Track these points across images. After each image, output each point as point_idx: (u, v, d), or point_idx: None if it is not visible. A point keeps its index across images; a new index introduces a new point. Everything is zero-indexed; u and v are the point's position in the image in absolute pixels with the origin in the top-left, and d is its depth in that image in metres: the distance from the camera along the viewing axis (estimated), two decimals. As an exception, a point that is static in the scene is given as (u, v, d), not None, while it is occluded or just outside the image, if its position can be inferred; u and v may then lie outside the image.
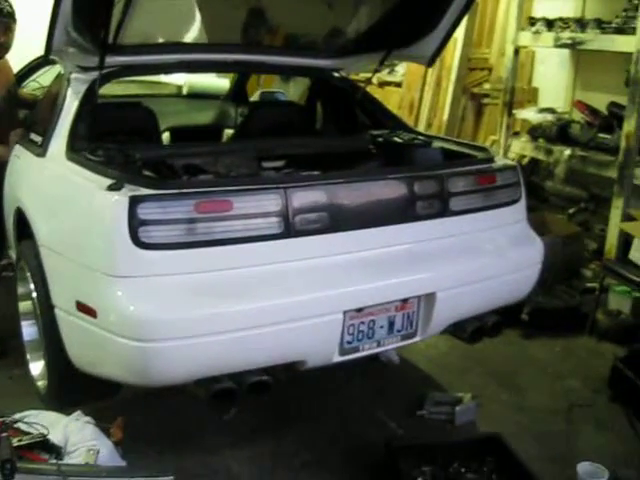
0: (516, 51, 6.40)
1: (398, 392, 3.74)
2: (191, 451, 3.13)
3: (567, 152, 5.72)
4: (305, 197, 2.70)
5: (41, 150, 3.20)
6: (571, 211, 6.14)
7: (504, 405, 3.68)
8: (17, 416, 2.68)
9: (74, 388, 2.97)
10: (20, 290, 3.44)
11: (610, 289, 4.75)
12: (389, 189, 2.93)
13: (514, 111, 6.49)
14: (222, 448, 3.18)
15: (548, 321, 4.57)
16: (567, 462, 3.08)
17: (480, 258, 3.08)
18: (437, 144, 3.67)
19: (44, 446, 2.53)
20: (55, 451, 2.54)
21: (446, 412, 3.49)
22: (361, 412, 3.53)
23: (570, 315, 4.69)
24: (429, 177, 3.03)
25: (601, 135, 5.63)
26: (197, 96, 5.70)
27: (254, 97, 5.41)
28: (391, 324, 2.89)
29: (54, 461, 2.47)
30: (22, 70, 4.45)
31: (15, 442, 2.44)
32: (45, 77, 4.49)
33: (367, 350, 2.87)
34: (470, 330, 3.14)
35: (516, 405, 3.67)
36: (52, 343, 2.89)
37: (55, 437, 2.59)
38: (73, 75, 3.39)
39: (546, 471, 2.99)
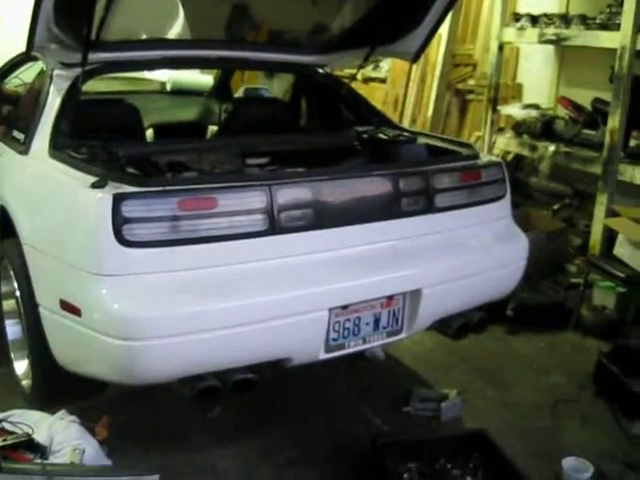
0: (500, 47, 6.42)
1: (384, 388, 3.74)
2: (176, 449, 3.12)
3: (551, 148, 5.75)
4: (290, 194, 2.69)
5: (24, 148, 3.17)
6: (555, 207, 6.16)
7: (489, 401, 3.69)
8: (1, 416, 2.67)
9: (59, 387, 2.95)
10: (4, 289, 3.41)
11: (594, 285, 4.77)
12: (374, 186, 2.93)
13: (499, 107, 6.50)
14: (207, 446, 3.17)
15: (533, 317, 4.58)
16: (552, 457, 3.10)
17: (465, 254, 3.08)
18: (422, 140, 3.67)
19: (29, 446, 2.51)
20: (40, 451, 2.52)
21: (432, 408, 3.49)
22: (347, 409, 3.53)
23: (555, 311, 4.70)
24: (414, 174, 3.02)
25: (585, 131, 5.68)
26: (181, 92, 5.66)
27: (238, 93, 5.37)
28: (377, 321, 2.89)
29: (39, 461, 2.46)
30: (4, 67, 4.40)
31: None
32: (28, 74, 4.45)
33: (353, 347, 2.87)
34: (455, 326, 3.15)
35: (501, 401, 3.68)
36: (36, 342, 2.87)
37: (40, 436, 2.57)
38: (56, 72, 3.35)
39: (532, 466, 3.00)
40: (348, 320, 2.80)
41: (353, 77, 4.45)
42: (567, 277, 5.24)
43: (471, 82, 7.35)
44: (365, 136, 3.72)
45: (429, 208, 3.02)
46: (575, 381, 3.90)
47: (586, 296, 4.71)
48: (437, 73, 7.15)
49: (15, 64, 4.37)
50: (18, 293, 3.01)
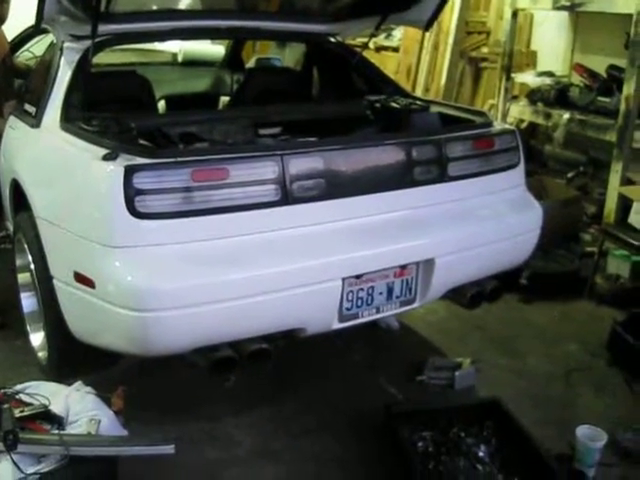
0: (514, 14, 6.35)
1: (398, 358, 3.75)
2: (192, 418, 3.14)
3: (566, 116, 5.70)
4: (302, 164, 2.67)
5: (35, 121, 3.17)
6: (570, 175, 6.13)
7: (503, 369, 3.68)
8: (18, 387, 2.69)
9: (74, 358, 2.97)
10: (18, 262, 3.43)
11: (609, 253, 4.75)
12: (387, 155, 2.91)
13: (513, 75, 6.44)
14: (223, 415, 3.19)
15: (547, 286, 4.57)
16: (566, 426, 3.09)
17: (479, 223, 3.06)
18: (435, 109, 3.63)
19: (46, 416, 2.53)
20: (57, 421, 2.54)
21: (446, 377, 3.50)
22: (361, 378, 3.54)
23: (569, 279, 4.69)
24: (427, 142, 3.00)
25: (600, 98, 5.64)
26: (192, 63, 5.65)
27: (250, 64, 5.34)
28: (390, 290, 2.88)
29: (56, 431, 2.48)
30: (15, 39, 4.38)
31: (17, 413, 2.45)
32: (39, 47, 4.43)
33: (366, 317, 2.87)
34: (469, 295, 3.13)
35: (515, 369, 3.68)
36: (51, 314, 2.89)
37: (56, 407, 2.59)
38: (66, 44, 3.33)
39: (545, 435, 2.99)
40: (361, 290, 2.79)
41: (365, 46, 4.40)
42: (581, 246, 5.21)
43: (484, 50, 7.28)
44: (377, 105, 3.67)
45: (442, 177, 2.99)
46: (589, 350, 3.90)
47: (600, 265, 4.69)
48: (450, 41, 7.09)
49: (26, 37, 4.36)
50: (32, 266, 3.01)
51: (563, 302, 4.52)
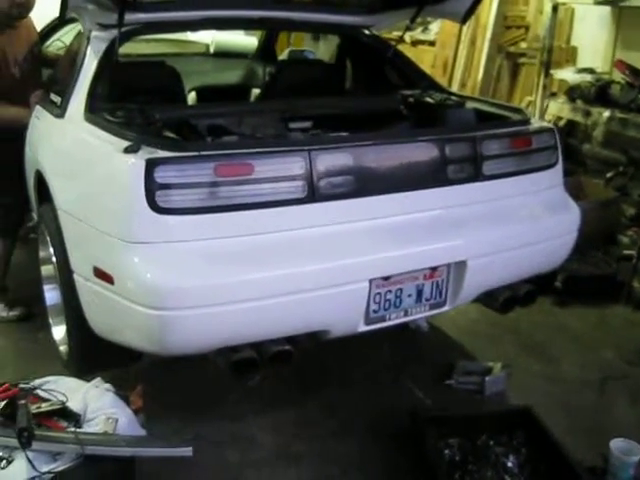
0: (555, 8, 6.23)
1: (426, 360, 3.67)
2: (213, 418, 3.09)
3: (606, 114, 5.58)
4: (330, 160, 2.59)
5: (60, 111, 3.12)
6: (609, 175, 5.95)
7: (535, 375, 3.58)
8: (37, 382, 2.66)
9: (94, 354, 2.92)
10: (41, 254, 3.40)
11: (648, 257, 4.59)
12: (419, 152, 2.82)
13: (552, 71, 6.30)
14: (244, 415, 3.14)
15: (583, 289, 4.45)
16: (599, 437, 2.99)
17: (514, 225, 2.96)
18: (470, 105, 3.52)
19: (63, 413, 2.50)
20: (74, 419, 2.50)
21: (475, 382, 3.40)
22: (388, 380, 3.46)
23: (605, 283, 4.58)
24: (462, 139, 2.90)
25: None
26: (224, 55, 5.58)
27: (283, 56, 5.27)
28: (419, 293, 2.80)
29: (72, 429, 2.43)
30: (45, 28, 4.34)
31: (34, 409, 2.42)
32: (69, 36, 4.39)
33: (394, 319, 2.78)
34: (502, 299, 3.03)
35: (547, 376, 3.58)
36: (72, 309, 2.84)
37: (74, 404, 2.55)
38: (93, 33, 3.27)
39: (577, 446, 2.89)
40: (389, 291, 2.71)
41: (400, 39, 4.29)
42: (619, 248, 5.07)
43: (523, 45, 7.17)
44: (411, 100, 3.58)
45: (477, 176, 2.89)
46: (624, 357, 3.78)
47: (638, 269, 4.52)
48: (488, 35, 6.98)
49: (56, 26, 4.33)
50: (54, 259, 2.97)
51: (599, 307, 4.40)
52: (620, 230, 5.28)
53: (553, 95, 6.40)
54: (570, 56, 6.93)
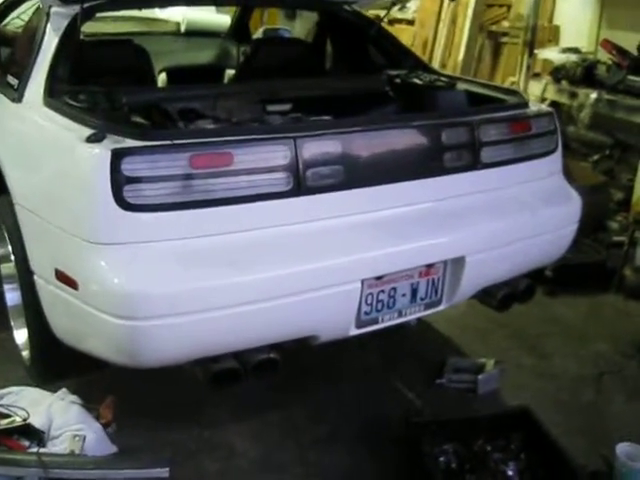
0: (538, -15, 6.03)
1: (416, 357, 3.52)
2: (190, 425, 2.92)
3: (593, 95, 5.48)
4: (317, 148, 2.38)
5: (17, 95, 2.87)
6: (595, 158, 5.86)
7: (528, 371, 3.48)
8: None
9: (58, 362, 2.71)
10: (0, 251, 3.13)
11: (638, 243, 4.49)
12: (413, 138, 2.63)
13: (535, 51, 6.15)
14: (224, 422, 2.98)
15: (573, 278, 4.34)
16: (599, 437, 2.92)
17: (514, 217, 2.80)
18: (462, 86, 3.34)
19: (24, 431, 2.32)
20: (36, 437, 2.33)
21: (468, 380, 3.27)
22: (376, 380, 3.31)
23: (596, 271, 4.49)
24: (458, 124, 2.72)
25: (631, 77, 5.40)
26: (196, 34, 5.39)
27: (257, 35, 5.06)
28: (414, 292, 2.63)
29: (35, 449, 2.25)
30: (2, 5, 4.07)
31: (-9, 427, 2.22)
32: (30, 13, 4.13)
33: (387, 321, 2.62)
34: (500, 296, 2.89)
35: (541, 371, 3.47)
36: (33, 312, 2.62)
37: (37, 419, 2.39)
38: (53, 9, 3.00)
39: (577, 447, 2.77)
40: (382, 292, 2.53)
41: (381, 19, 4.08)
42: (609, 235, 4.97)
43: (505, 24, 7.09)
44: (398, 81, 3.39)
45: (474, 164, 2.72)
46: (619, 350, 3.69)
47: (630, 255, 4.44)
48: (469, 14, 6.87)
49: (14, 2, 4.04)
50: (13, 257, 2.73)
51: (590, 296, 4.32)
52: (609, 215, 5.18)
53: (537, 76, 6.27)
54: (553, 35, 6.83)
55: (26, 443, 2.28)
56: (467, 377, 3.27)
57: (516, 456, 2.70)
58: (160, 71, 4.29)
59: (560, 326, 3.94)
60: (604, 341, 3.77)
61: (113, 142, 2.15)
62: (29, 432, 2.31)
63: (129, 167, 2.09)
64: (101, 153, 2.11)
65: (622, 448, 2.66)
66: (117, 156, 2.09)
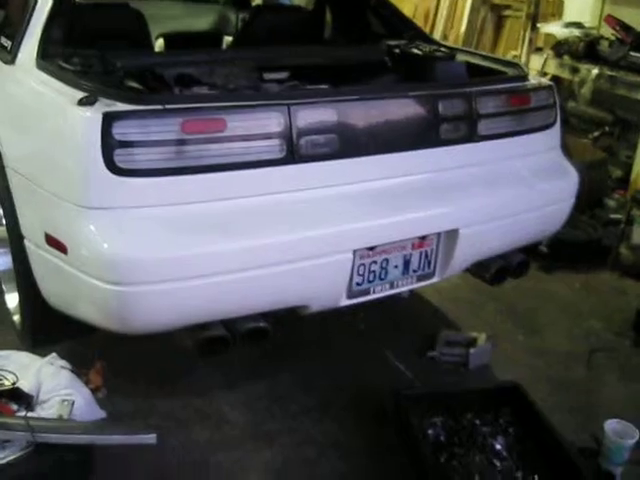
0: (543, -42, 5.95)
1: (407, 329, 3.52)
2: (180, 393, 2.92)
3: (595, 71, 5.42)
4: (312, 116, 2.34)
5: (9, 57, 2.79)
6: (595, 135, 5.80)
7: (520, 346, 3.48)
8: None
9: (48, 326, 2.68)
10: (-10, 214, 3.11)
11: (635, 221, 4.45)
12: (409, 108, 2.59)
13: (538, 25, 6.08)
14: (214, 391, 2.97)
15: (568, 254, 4.34)
16: (589, 414, 2.94)
17: (509, 190, 2.76)
18: (462, 57, 3.29)
19: (13, 395, 2.30)
20: (25, 401, 2.31)
21: (459, 354, 3.26)
22: (367, 352, 3.30)
23: (591, 248, 4.47)
24: (456, 95, 2.67)
25: (633, 54, 5.35)
26: (195, 0, 5.25)
27: (256, 1, 4.97)
28: (406, 263, 2.60)
29: (23, 413, 2.23)
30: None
31: (-20, 390, 2.21)
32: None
33: (379, 292, 2.60)
34: (493, 270, 2.87)
35: (533, 347, 3.47)
36: (23, 277, 2.59)
37: (26, 383, 2.37)
38: (48, -32, 2.95)
39: (566, 424, 2.79)
40: (374, 262, 2.51)
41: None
42: (606, 212, 4.94)
43: (508, -4, 6.92)
44: (397, 51, 3.33)
45: (471, 136, 2.68)
46: (613, 328, 3.69)
47: (626, 233, 4.42)
48: (472, -15, 6.71)
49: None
50: (4, 221, 2.70)
51: (585, 272, 4.30)
52: (607, 193, 5.13)
53: (539, 50, 6.20)
54: (556, 10, 6.74)
55: (14, 407, 2.26)
56: (458, 351, 3.26)
57: (505, 431, 2.71)
58: (157, 37, 4.22)
59: (554, 302, 3.93)
60: (597, 318, 3.77)
61: (105, 105, 2.11)
62: (17, 396, 2.29)
63: (120, 131, 2.06)
64: (92, 116, 2.07)
65: (611, 425, 2.66)
66: (108, 119, 2.05)
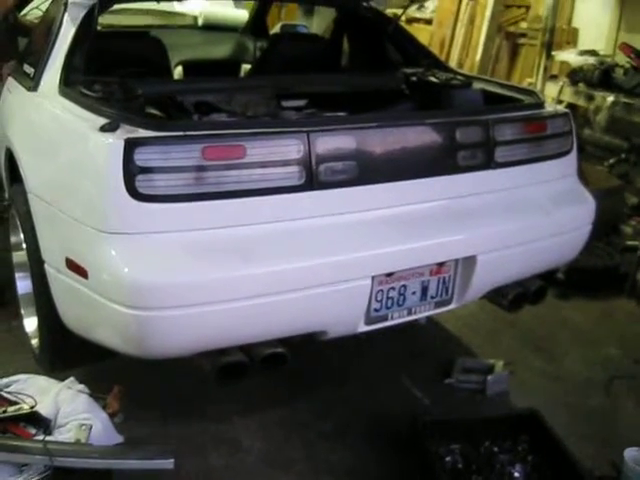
0: (558, -13, 5.99)
1: (424, 356, 3.50)
2: (196, 419, 2.91)
3: (610, 98, 5.43)
4: (331, 143, 2.36)
5: (33, 83, 2.87)
6: (611, 162, 5.80)
7: (538, 374, 3.44)
8: (3, 382, 2.48)
9: (67, 350, 2.70)
10: (12, 239, 3.15)
11: (652, 248, 4.45)
12: (427, 136, 2.60)
13: (553, 52, 6.10)
14: (231, 416, 2.96)
15: (585, 281, 4.32)
16: (608, 442, 2.89)
17: (527, 217, 2.76)
18: (478, 85, 3.31)
19: (31, 418, 2.30)
20: (43, 425, 2.30)
21: (476, 381, 3.25)
22: (384, 378, 3.29)
23: (609, 275, 4.44)
24: (474, 123, 2.68)
25: None
26: (213, 28, 5.39)
27: (274, 30, 5.04)
28: (424, 290, 2.60)
29: (41, 437, 2.23)
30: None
31: (-1, 413, 2.21)
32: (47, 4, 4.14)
33: (396, 319, 2.59)
34: (511, 297, 2.85)
35: (551, 374, 3.44)
36: (43, 301, 2.61)
37: (44, 407, 2.36)
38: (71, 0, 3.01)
39: (585, 451, 2.75)
40: (392, 289, 2.50)
41: (399, 16, 4.06)
42: (622, 239, 4.93)
43: (523, 25, 7.02)
44: (414, 79, 3.36)
45: (488, 163, 2.68)
46: (630, 355, 3.65)
47: None
48: (487, 14, 6.79)
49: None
50: (24, 245, 2.73)
51: (602, 299, 4.27)
52: (623, 220, 5.12)
53: (554, 77, 6.22)
54: (571, 38, 6.76)
55: (33, 431, 2.26)
56: (476, 378, 3.24)
57: (523, 458, 2.68)
58: (177, 64, 4.29)
59: (570, 329, 3.90)
60: (615, 346, 3.73)
61: (127, 132, 2.14)
62: (36, 420, 2.28)
63: (142, 157, 2.08)
64: (114, 142, 2.10)
65: (630, 453, 2.64)
66: (130, 146, 2.08)
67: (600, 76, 5.68)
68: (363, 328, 2.51)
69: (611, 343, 3.76)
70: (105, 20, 3.03)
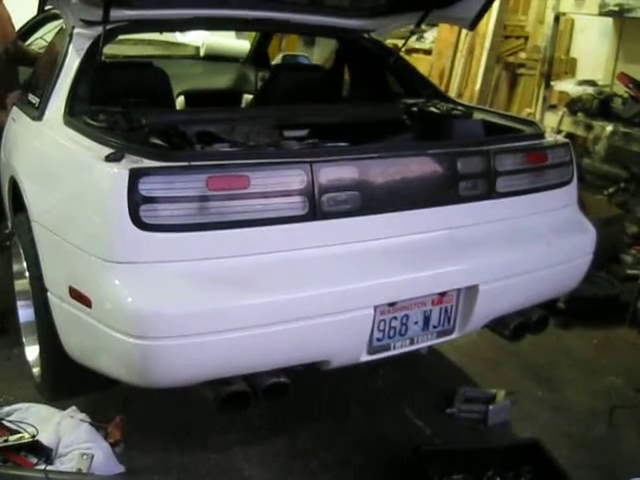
0: (556, 18, 6.07)
1: (426, 386, 3.49)
2: (198, 448, 2.89)
3: (609, 128, 5.46)
4: (334, 173, 2.38)
5: (37, 113, 2.89)
6: (610, 191, 5.83)
7: (540, 403, 3.42)
8: (4, 410, 2.48)
9: (68, 379, 2.70)
10: (15, 267, 3.16)
11: (652, 277, 4.44)
12: (429, 166, 2.62)
13: (552, 83, 6.16)
14: (232, 446, 2.94)
15: (586, 310, 4.29)
16: (611, 472, 2.89)
17: (528, 247, 2.77)
18: (478, 116, 3.34)
19: (32, 448, 2.31)
20: (45, 454, 2.32)
21: (478, 410, 3.22)
22: (385, 408, 3.28)
23: (609, 304, 4.43)
24: (474, 153, 2.71)
25: None
26: (215, 58, 5.42)
27: (276, 61, 5.08)
28: (426, 319, 2.61)
29: (42, 467, 2.23)
30: (25, 25, 4.12)
31: (0, 442, 2.22)
32: (53, 34, 4.18)
33: (399, 348, 2.60)
34: (512, 326, 2.86)
35: (553, 404, 3.42)
36: (45, 330, 2.61)
37: (45, 436, 2.38)
38: (76, 30, 3.04)
39: None
40: (395, 318, 2.51)
41: (400, 47, 4.10)
42: (623, 268, 4.91)
43: (522, 55, 7.08)
44: (415, 109, 3.38)
45: (490, 193, 2.71)
46: (632, 384, 3.63)
47: None
48: (486, 45, 6.86)
49: (38, 23, 4.10)
50: (27, 274, 2.74)
51: (603, 329, 4.26)
52: (623, 249, 5.12)
53: (553, 107, 6.27)
54: (569, 68, 6.82)
55: (34, 460, 2.27)
56: (477, 407, 3.22)
57: (526, 490, 2.66)
58: (179, 94, 4.31)
59: (572, 358, 3.89)
60: (617, 375, 3.71)
61: (131, 162, 2.16)
62: (37, 449, 2.30)
63: (146, 187, 2.10)
64: (119, 172, 2.12)
65: (635, 483, 2.64)
66: (135, 175, 2.09)
67: (599, 106, 5.73)
68: (365, 358, 2.51)
69: (613, 372, 3.74)
70: (109, 50, 3.06)
